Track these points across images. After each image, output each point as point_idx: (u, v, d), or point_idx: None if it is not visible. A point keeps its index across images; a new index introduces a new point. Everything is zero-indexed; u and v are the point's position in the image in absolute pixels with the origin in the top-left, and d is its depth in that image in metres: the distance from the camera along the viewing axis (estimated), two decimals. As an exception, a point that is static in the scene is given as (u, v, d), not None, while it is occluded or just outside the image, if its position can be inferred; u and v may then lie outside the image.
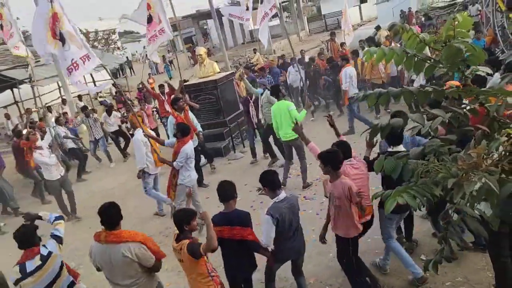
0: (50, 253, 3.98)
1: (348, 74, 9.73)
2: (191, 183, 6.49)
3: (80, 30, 33.18)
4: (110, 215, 3.81)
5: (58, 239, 4.15)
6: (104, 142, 12.20)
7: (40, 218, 4.35)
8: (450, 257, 2.20)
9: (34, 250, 3.93)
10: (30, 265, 3.84)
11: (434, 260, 2.25)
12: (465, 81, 2.08)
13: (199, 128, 8.84)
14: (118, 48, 39.50)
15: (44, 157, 8.36)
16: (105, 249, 3.77)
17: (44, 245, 4.03)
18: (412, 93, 2.19)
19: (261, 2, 11.35)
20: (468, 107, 2.14)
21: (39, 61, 15.51)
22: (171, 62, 32.36)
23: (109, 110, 12.93)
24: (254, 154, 9.55)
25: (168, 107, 12.35)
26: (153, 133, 7.89)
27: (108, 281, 3.95)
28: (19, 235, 3.96)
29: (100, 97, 19.75)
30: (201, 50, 11.06)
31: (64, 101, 16.17)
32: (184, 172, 6.47)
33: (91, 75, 19.30)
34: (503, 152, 1.98)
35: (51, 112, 14.90)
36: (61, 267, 4.05)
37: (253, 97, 9.35)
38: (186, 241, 3.70)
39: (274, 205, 4.08)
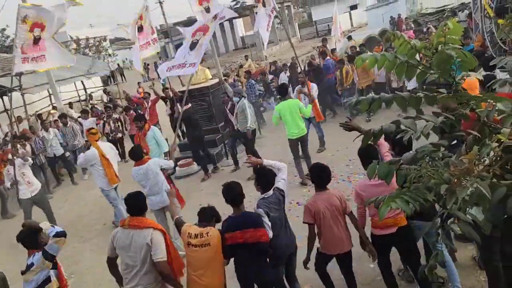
0: (32, 264, 3.88)
1: (315, 88, 9.03)
2: (153, 208, 6.11)
3: (71, 37, 32.99)
4: (135, 203, 4.02)
5: (46, 254, 3.91)
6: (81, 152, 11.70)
7: (40, 230, 4.20)
8: (444, 262, 2.21)
9: (33, 252, 3.96)
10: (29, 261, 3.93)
11: (429, 266, 2.26)
12: (456, 87, 2.09)
13: (164, 149, 8.03)
14: (110, 55, 39.40)
15: (11, 174, 8.07)
16: (128, 233, 3.92)
17: (33, 255, 3.96)
18: (404, 98, 2.20)
19: (264, 5, 11.46)
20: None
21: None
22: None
23: (83, 113, 12.51)
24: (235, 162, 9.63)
25: (147, 115, 12.30)
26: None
27: (124, 271, 4.00)
28: (20, 236, 4.02)
29: (91, 103, 19.61)
30: (192, 57, 11.04)
31: (55, 109, 16.05)
32: (153, 198, 6.09)
33: (82, 82, 19.23)
34: (494, 157, 1.99)
35: (41, 119, 14.77)
36: (45, 281, 3.88)
37: (229, 104, 9.33)
38: (210, 227, 3.91)
39: (262, 200, 4.09)
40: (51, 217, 8.13)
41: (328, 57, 12.96)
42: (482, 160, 1.93)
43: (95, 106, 17.31)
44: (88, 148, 7.65)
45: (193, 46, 7.53)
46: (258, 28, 10.56)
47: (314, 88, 8.81)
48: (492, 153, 1.97)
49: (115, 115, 12.55)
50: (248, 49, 32.97)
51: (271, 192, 4.14)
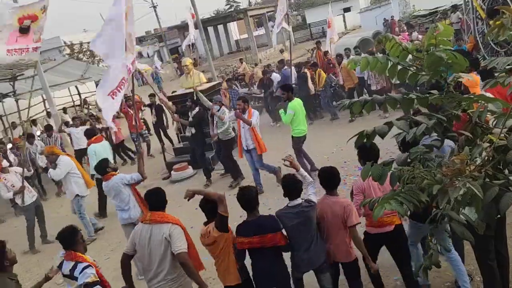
0: (76, 278, 3.75)
1: (256, 115, 8.06)
2: (121, 222, 5.99)
3: (65, 43, 32.84)
4: (155, 198, 4.09)
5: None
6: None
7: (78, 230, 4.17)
8: (439, 262, 2.23)
9: (71, 254, 3.89)
10: (65, 268, 3.86)
11: (423, 266, 2.27)
12: (447, 88, 2.11)
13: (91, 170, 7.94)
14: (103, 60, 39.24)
15: (8, 181, 7.90)
16: (148, 228, 3.95)
17: (81, 271, 3.76)
18: (396, 100, 2.22)
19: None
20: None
21: (23, 74, 15.34)
22: (157, 74, 32.27)
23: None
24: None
25: (134, 122, 12.23)
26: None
27: (141, 269, 4.05)
28: (59, 237, 4.00)
29: (86, 108, 19.54)
30: (187, 61, 11.06)
31: (49, 114, 15.97)
32: (120, 212, 5.92)
33: (76, 87, 19.17)
34: (486, 157, 2.01)
35: (36, 125, 14.71)
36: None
37: (209, 112, 9.16)
38: (212, 223, 3.87)
39: (282, 211, 4.01)
40: (43, 221, 8.18)
41: (286, 66, 13.35)
42: (474, 160, 1.95)
43: (91, 113, 17.21)
44: (53, 163, 7.64)
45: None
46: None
47: (255, 115, 7.93)
48: (484, 153, 1.99)
49: (99, 125, 12.48)
50: (242, 53, 33.04)
51: (295, 202, 3.98)
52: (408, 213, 2.08)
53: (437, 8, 22.60)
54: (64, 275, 3.88)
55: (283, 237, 3.88)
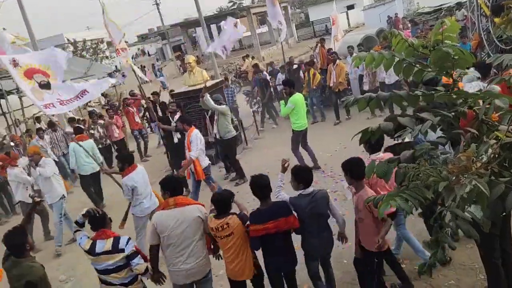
0: (119, 249, 3.91)
1: (199, 138, 7.45)
2: (143, 213, 6.03)
3: (68, 40, 32.88)
4: (176, 184, 4.28)
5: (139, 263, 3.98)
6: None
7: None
8: (444, 260, 2.21)
9: (106, 232, 4.02)
10: (100, 246, 3.93)
11: (428, 263, 2.26)
12: (453, 84, 2.10)
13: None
14: (107, 57, 39.35)
15: (24, 175, 8.02)
16: (174, 213, 4.06)
17: (126, 243, 3.94)
18: (401, 97, 2.20)
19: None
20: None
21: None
22: (160, 70, 32.31)
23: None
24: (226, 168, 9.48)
25: (138, 119, 12.22)
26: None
27: (171, 249, 4.10)
28: (91, 217, 4.12)
29: (89, 106, 19.56)
30: (190, 58, 11.04)
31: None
32: (135, 203, 5.96)
33: (79, 84, 19.18)
34: (492, 155, 2.00)
35: (39, 122, 14.72)
36: (123, 266, 3.97)
37: (209, 112, 9.11)
38: (231, 216, 3.97)
39: (295, 198, 4.13)
40: (46, 218, 8.17)
41: (264, 71, 13.61)
42: (480, 157, 1.93)
43: (94, 108, 17.21)
44: (36, 165, 7.41)
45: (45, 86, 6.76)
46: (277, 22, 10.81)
47: (195, 140, 7.35)
48: (490, 151, 1.97)
49: (101, 121, 12.47)
50: (245, 50, 32.99)
51: (308, 190, 4.12)
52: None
53: (441, 5, 22.47)
54: (99, 253, 3.92)
55: (296, 220, 4.00)
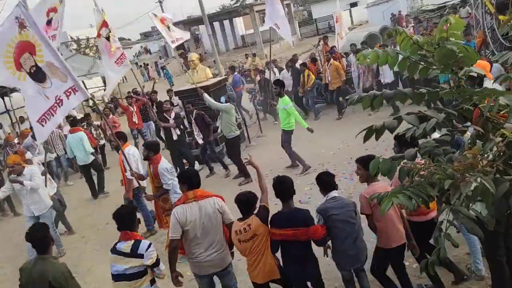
0: (138, 254, 3.84)
1: (131, 155, 6.78)
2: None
3: (71, 38, 32.86)
4: (194, 178, 4.29)
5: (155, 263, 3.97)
6: (65, 159, 11.24)
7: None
8: (446, 258, 2.21)
9: (128, 234, 3.95)
10: (120, 246, 3.90)
11: (430, 261, 2.25)
12: (458, 82, 2.09)
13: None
14: (110, 55, 39.27)
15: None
16: (195, 205, 4.12)
17: (147, 248, 3.89)
18: (406, 95, 2.20)
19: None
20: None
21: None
22: (163, 68, 32.29)
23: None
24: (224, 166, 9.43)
25: (136, 119, 12.17)
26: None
27: (192, 241, 4.16)
28: (117, 216, 4.03)
29: (93, 103, 19.57)
30: (193, 56, 11.05)
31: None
32: (176, 189, 5.80)
33: (83, 81, 19.22)
34: (497, 153, 1.99)
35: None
36: (141, 274, 3.92)
37: (194, 114, 9.14)
38: (252, 217, 3.92)
39: (322, 205, 4.05)
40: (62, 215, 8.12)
41: (236, 72, 13.74)
42: (485, 155, 1.92)
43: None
44: (19, 174, 6.86)
45: (37, 76, 5.31)
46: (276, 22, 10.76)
47: (127, 155, 6.53)
48: (495, 148, 1.96)
49: (96, 122, 12.47)
50: (248, 48, 32.94)
51: (332, 194, 4.04)
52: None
53: (445, 2, 22.40)
54: (119, 253, 3.88)
55: (318, 231, 3.84)
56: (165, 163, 6.07)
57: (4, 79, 5.53)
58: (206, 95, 9.03)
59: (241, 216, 4.06)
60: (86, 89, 20.06)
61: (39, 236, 3.90)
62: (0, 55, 5.24)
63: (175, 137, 9.08)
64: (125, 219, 4.02)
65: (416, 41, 2.05)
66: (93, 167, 9.93)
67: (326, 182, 4.10)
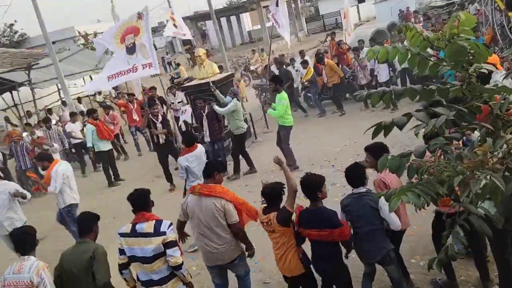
0: (160, 232, 3.86)
1: (59, 174, 6.51)
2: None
3: (79, 33, 32.98)
4: (207, 169, 4.47)
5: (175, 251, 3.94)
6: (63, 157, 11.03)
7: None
8: (455, 255, 2.20)
9: (145, 215, 3.97)
10: (141, 227, 3.92)
11: (438, 259, 2.25)
12: (469, 79, 2.07)
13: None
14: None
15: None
16: (198, 200, 4.29)
17: (168, 227, 3.92)
18: (415, 91, 2.18)
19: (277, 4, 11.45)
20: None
21: (38, 63, 15.49)
22: (169, 63, 32.28)
23: (72, 117, 12.11)
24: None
25: (136, 116, 12.20)
26: None
27: (197, 233, 4.38)
28: (132, 198, 4.08)
29: (104, 97, 19.59)
30: (200, 51, 11.05)
31: (64, 103, 16.11)
32: (189, 183, 6.29)
33: (90, 77, 19.33)
34: (507, 150, 1.98)
35: (51, 114, 14.85)
36: (160, 254, 3.90)
37: (206, 110, 8.98)
38: (274, 213, 3.89)
39: (344, 199, 4.05)
40: None
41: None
42: (495, 152, 1.91)
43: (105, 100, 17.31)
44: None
45: (131, 50, 7.82)
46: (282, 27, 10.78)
47: (55, 173, 6.51)
48: (505, 146, 1.95)
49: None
50: (255, 44, 32.86)
51: (359, 190, 3.94)
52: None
53: (454, -1, 22.18)
54: (139, 234, 3.89)
55: (344, 233, 3.77)
56: (183, 157, 6.43)
57: (111, 46, 8.19)
58: (218, 92, 9.08)
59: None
60: (93, 84, 20.13)
61: (87, 220, 4.14)
62: (115, 31, 8.05)
63: (161, 141, 8.98)
64: (140, 200, 4.06)
65: (427, 38, 2.03)
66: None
67: (354, 177, 4.01)
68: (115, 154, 11.73)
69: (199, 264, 5.65)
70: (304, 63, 12.50)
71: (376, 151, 3.85)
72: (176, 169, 8.06)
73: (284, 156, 8.21)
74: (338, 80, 11.73)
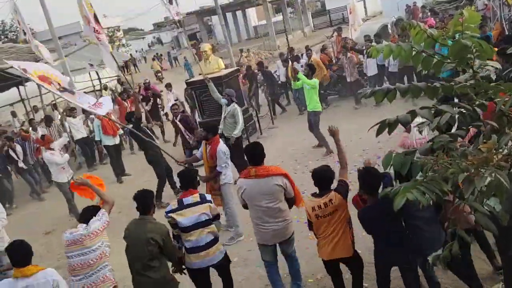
0: (206, 200, 4.41)
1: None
2: (230, 179, 6.27)
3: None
4: (256, 154, 4.53)
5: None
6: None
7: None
8: (459, 253, 2.20)
9: (191, 191, 4.44)
10: (188, 200, 4.35)
11: (442, 256, 2.25)
12: (474, 76, 2.07)
13: None
14: (123, 45, 39.55)
15: (55, 156, 8.21)
16: (255, 182, 4.41)
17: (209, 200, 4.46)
18: (420, 88, 2.18)
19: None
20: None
21: (42, 59, 15.53)
22: (175, 58, 32.31)
23: (71, 110, 11.94)
24: None
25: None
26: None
27: (255, 216, 4.57)
28: (181, 176, 4.58)
29: (112, 91, 19.64)
30: (206, 47, 11.05)
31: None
32: (227, 171, 6.17)
33: (96, 72, 19.37)
34: (512, 147, 1.97)
35: (57, 109, 14.91)
36: (207, 222, 4.33)
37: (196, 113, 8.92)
38: (332, 192, 3.97)
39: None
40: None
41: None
42: (500, 149, 1.91)
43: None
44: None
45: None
46: None
47: None
48: (510, 143, 1.94)
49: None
50: (260, 39, 32.78)
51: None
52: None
53: (462, -7, 21.95)
54: (188, 205, 4.32)
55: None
56: (223, 145, 6.20)
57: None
58: (211, 84, 8.69)
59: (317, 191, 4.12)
60: (99, 79, 20.19)
61: (145, 197, 4.31)
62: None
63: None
64: (188, 178, 4.53)
65: (431, 35, 2.03)
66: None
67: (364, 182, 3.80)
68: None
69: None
70: (286, 61, 12.57)
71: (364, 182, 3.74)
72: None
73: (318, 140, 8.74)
74: (329, 78, 12.06)
